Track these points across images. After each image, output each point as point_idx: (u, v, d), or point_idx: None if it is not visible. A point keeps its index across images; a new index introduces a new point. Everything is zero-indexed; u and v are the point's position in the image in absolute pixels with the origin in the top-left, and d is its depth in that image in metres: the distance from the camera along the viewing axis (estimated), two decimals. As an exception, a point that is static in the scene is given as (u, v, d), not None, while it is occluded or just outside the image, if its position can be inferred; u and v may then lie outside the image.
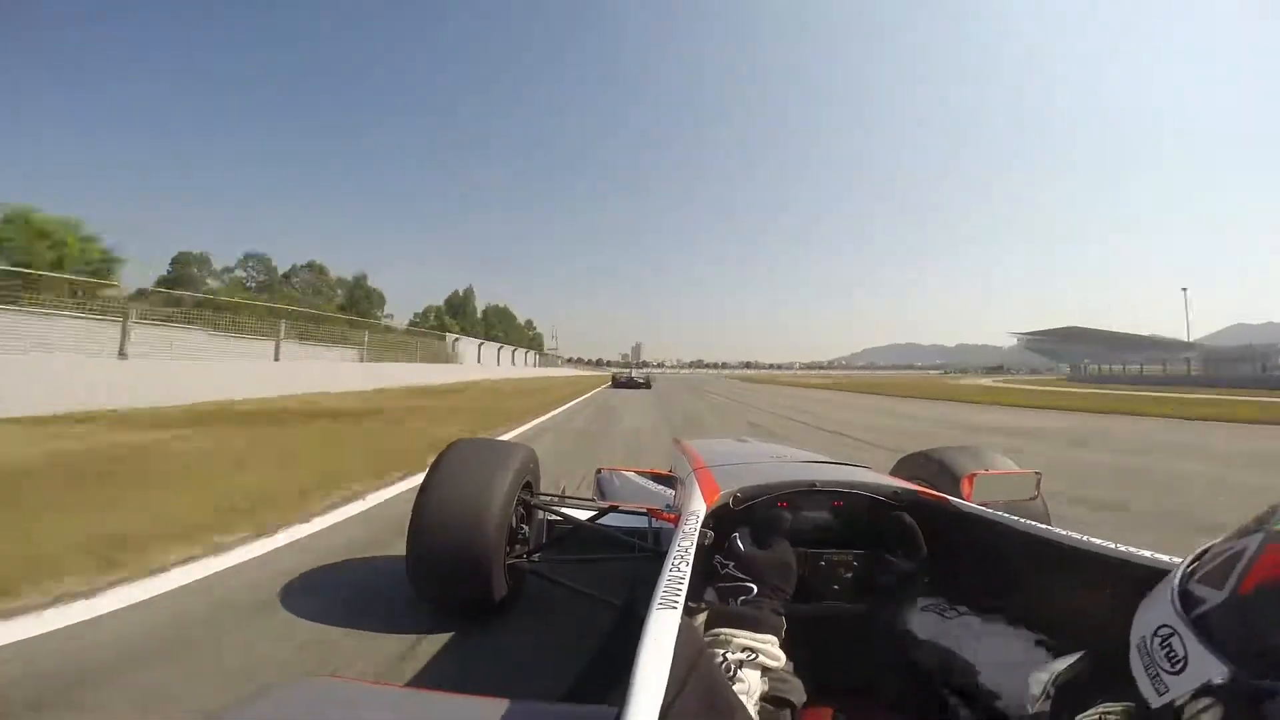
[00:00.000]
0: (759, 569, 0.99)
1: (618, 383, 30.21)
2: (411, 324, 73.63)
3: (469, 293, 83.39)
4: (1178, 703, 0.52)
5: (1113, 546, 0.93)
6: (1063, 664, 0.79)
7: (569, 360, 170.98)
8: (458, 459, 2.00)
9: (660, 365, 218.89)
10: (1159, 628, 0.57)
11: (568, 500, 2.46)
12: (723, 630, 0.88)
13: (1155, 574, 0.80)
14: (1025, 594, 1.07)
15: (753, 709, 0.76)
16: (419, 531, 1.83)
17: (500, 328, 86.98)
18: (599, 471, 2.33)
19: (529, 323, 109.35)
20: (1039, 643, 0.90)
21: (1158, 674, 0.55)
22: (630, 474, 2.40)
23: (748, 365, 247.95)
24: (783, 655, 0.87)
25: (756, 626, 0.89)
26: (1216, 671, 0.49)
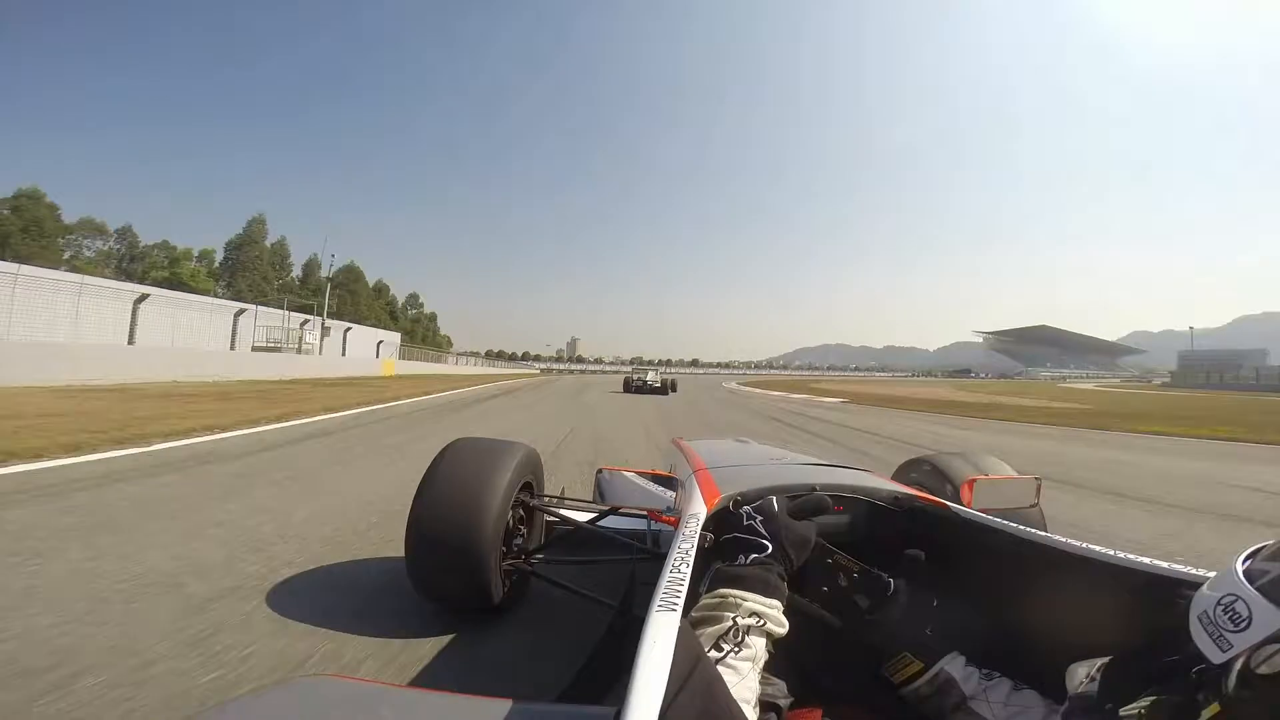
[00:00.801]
0: (780, 533, 0.98)
1: (629, 387, 23.59)
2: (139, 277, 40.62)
3: (257, 226, 48.93)
4: (1242, 655, 0.57)
5: (1111, 554, 0.95)
6: (1097, 662, 0.78)
7: (489, 355, 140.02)
8: (456, 458, 1.96)
9: (598, 361, 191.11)
10: (1222, 597, 0.61)
11: (567, 501, 2.39)
12: (731, 592, 0.83)
13: (1153, 580, 0.85)
14: (1024, 600, 1.07)
15: (756, 677, 0.75)
16: (416, 532, 1.82)
17: (335, 295, 55.38)
18: (599, 472, 2.48)
19: (412, 298, 76.78)
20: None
21: (1220, 635, 0.59)
22: (630, 475, 2.53)
23: (694, 363, 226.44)
24: (786, 622, 0.84)
25: (765, 590, 0.85)
26: None
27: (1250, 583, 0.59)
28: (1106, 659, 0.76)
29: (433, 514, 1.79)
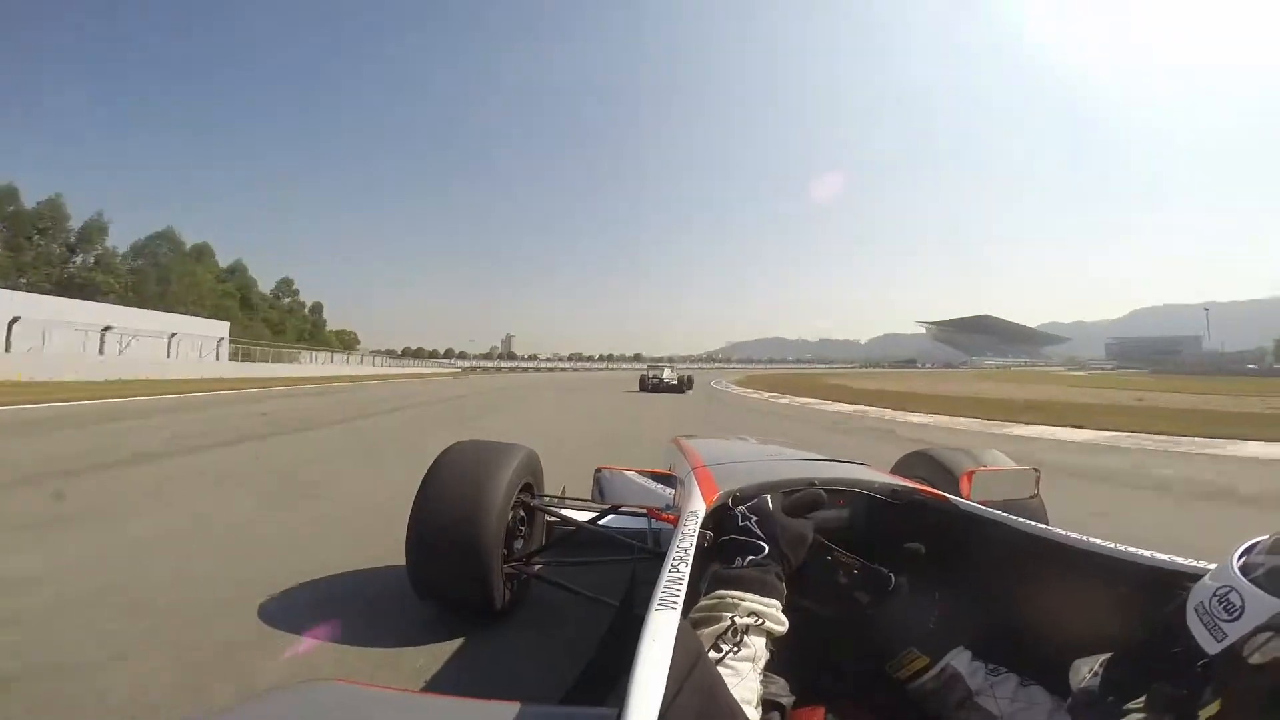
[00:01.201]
0: (776, 531, 0.97)
1: (645, 386, 23.59)
2: None
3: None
4: (1236, 643, 0.59)
5: (1112, 546, 0.95)
6: (1100, 658, 0.78)
7: (406, 353, 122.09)
8: (455, 460, 1.96)
9: (533, 358, 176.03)
10: (1218, 589, 0.63)
11: (567, 501, 2.39)
12: (729, 593, 0.83)
13: (1153, 573, 0.86)
14: (1026, 593, 1.07)
15: (756, 677, 0.75)
16: (417, 535, 1.81)
17: (136, 273, 39.03)
18: (599, 471, 2.45)
19: (285, 284, 59.74)
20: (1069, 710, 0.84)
21: (1215, 625, 0.61)
22: (630, 473, 2.54)
23: (636, 358, 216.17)
24: (786, 621, 0.84)
25: (763, 590, 0.85)
26: (1273, 609, 0.57)
27: (1245, 575, 0.61)
28: (1110, 655, 0.76)
29: (434, 515, 1.79)
